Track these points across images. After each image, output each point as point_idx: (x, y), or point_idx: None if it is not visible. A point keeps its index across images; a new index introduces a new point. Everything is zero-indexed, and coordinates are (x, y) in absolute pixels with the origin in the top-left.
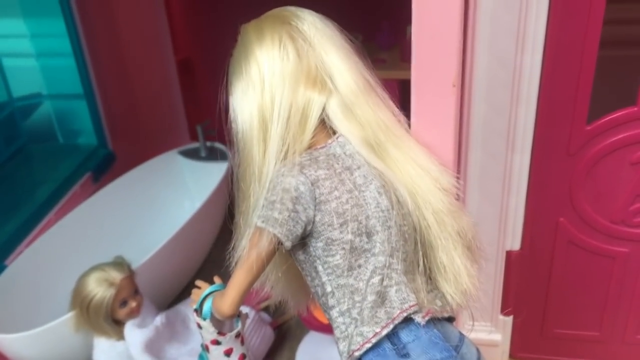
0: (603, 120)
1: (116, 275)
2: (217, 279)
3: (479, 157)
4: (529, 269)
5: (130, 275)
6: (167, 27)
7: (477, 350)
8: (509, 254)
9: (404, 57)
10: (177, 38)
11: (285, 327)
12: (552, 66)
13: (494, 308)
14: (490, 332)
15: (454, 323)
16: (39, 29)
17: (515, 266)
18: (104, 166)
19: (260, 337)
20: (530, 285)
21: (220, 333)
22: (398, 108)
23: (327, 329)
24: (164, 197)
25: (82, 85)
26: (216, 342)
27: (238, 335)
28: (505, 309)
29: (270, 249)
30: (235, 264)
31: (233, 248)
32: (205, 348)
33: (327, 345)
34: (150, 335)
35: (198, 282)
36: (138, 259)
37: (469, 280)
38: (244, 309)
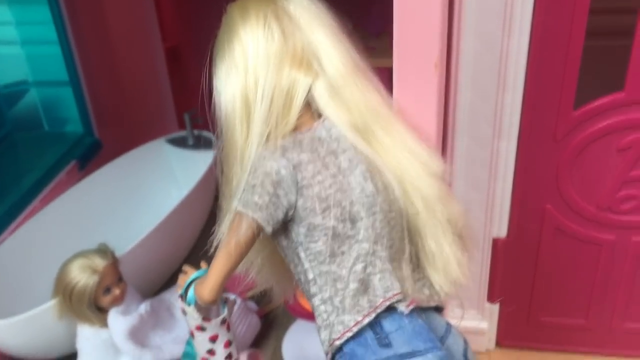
0: (590, 107)
1: (99, 263)
2: (204, 264)
3: (465, 143)
4: (516, 257)
5: (114, 262)
6: (155, 14)
7: (465, 341)
8: (495, 241)
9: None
10: (165, 26)
11: (272, 316)
12: (538, 51)
13: (481, 296)
14: (476, 320)
15: (442, 313)
16: (24, 16)
17: (502, 254)
18: (89, 154)
19: (247, 325)
20: (516, 272)
21: (205, 319)
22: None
23: (314, 317)
24: (151, 185)
25: (67, 72)
26: (201, 329)
27: (224, 321)
28: (491, 297)
29: (250, 234)
30: (216, 249)
31: (214, 232)
32: (191, 334)
33: (314, 333)
34: (134, 323)
35: (185, 267)
36: (124, 246)
37: (459, 269)
38: (231, 296)
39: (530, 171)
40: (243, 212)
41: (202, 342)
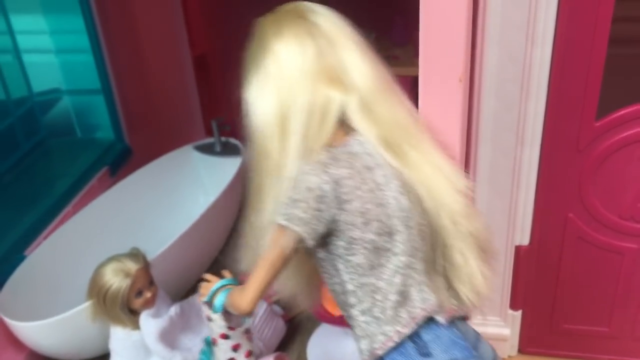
0: (612, 117)
1: (132, 266)
2: (226, 273)
3: (488, 151)
4: (538, 264)
5: (146, 266)
6: (184, 23)
7: (492, 348)
8: (518, 248)
9: (418, 54)
10: (193, 34)
11: (297, 320)
12: (561, 61)
13: (503, 303)
14: (499, 326)
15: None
16: (58, 26)
17: (524, 261)
18: (120, 160)
19: (272, 329)
20: (539, 280)
21: (230, 327)
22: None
23: (339, 321)
24: (179, 191)
25: (100, 80)
26: (225, 337)
27: (247, 331)
28: (514, 304)
29: (293, 247)
30: (243, 259)
31: (240, 243)
32: (213, 342)
33: (338, 338)
34: (164, 325)
35: (207, 276)
36: (153, 251)
37: (483, 281)
38: None
39: (552, 180)
40: (287, 225)
41: (225, 350)
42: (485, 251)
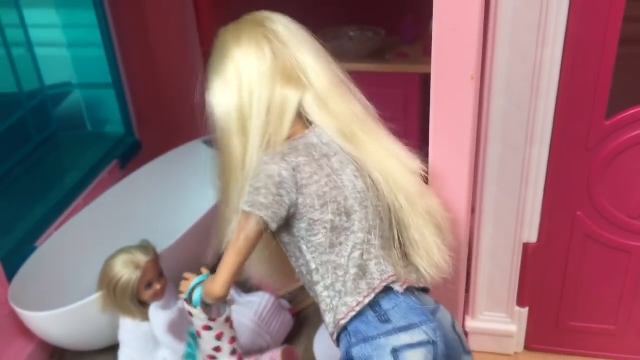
0: (622, 116)
1: (142, 258)
2: (204, 270)
3: (497, 149)
4: (546, 262)
5: (156, 258)
6: (194, 19)
7: (452, 315)
8: (525, 246)
9: (427, 51)
10: (203, 30)
11: (304, 314)
12: (572, 60)
13: (510, 299)
14: (505, 323)
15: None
16: (71, 20)
17: (532, 259)
18: (130, 154)
19: (280, 322)
20: (546, 277)
21: (211, 319)
22: (367, 100)
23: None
24: (188, 185)
25: (111, 75)
26: (208, 328)
27: (227, 319)
28: (521, 301)
29: (257, 232)
30: (216, 250)
31: (217, 235)
32: (197, 334)
33: None
34: (173, 317)
35: (186, 275)
36: (162, 244)
37: (440, 255)
38: (260, 297)
39: (561, 178)
40: (250, 211)
41: (209, 341)
42: (440, 228)
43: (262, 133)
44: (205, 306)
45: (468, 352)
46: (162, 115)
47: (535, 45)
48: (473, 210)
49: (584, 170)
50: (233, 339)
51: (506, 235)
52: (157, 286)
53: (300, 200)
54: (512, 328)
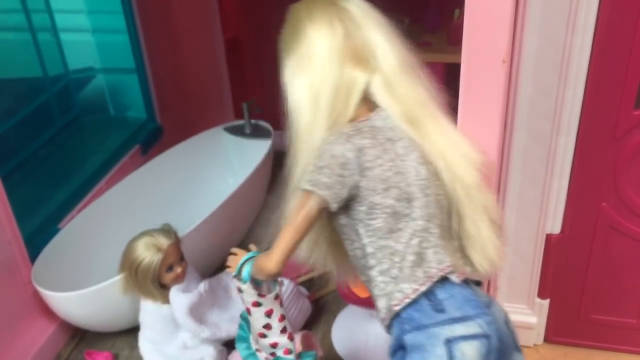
0: None
1: (164, 241)
2: (252, 247)
3: (523, 138)
4: (569, 253)
5: (177, 242)
6: (217, 6)
7: (505, 311)
8: (549, 237)
9: (451, 40)
10: (225, 17)
11: (323, 301)
12: (602, 49)
13: (531, 291)
14: (526, 314)
15: (481, 287)
16: (96, 6)
17: (555, 249)
18: (152, 139)
19: (298, 308)
20: (568, 269)
21: (260, 295)
22: (437, 88)
23: (364, 303)
24: (209, 171)
25: (134, 60)
26: (257, 304)
27: (277, 297)
28: (542, 292)
29: (316, 211)
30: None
31: (277, 210)
32: (247, 311)
33: (363, 319)
34: (193, 300)
35: (234, 250)
36: (182, 228)
37: (494, 250)
38: (279, 278)
39: (587, 168)
40: (312, 190)
41: (258, 318)
42: (495, 224)
43: (329, 112)
44: (256, 283)
45: (519, 349)
46: (183, 101)
47: (565, 32)
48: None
49: (610, 160)
50: (283, 317)
51: (529, 225)
52: (178, 269)
53: (363, 183)
54: (533, 320)
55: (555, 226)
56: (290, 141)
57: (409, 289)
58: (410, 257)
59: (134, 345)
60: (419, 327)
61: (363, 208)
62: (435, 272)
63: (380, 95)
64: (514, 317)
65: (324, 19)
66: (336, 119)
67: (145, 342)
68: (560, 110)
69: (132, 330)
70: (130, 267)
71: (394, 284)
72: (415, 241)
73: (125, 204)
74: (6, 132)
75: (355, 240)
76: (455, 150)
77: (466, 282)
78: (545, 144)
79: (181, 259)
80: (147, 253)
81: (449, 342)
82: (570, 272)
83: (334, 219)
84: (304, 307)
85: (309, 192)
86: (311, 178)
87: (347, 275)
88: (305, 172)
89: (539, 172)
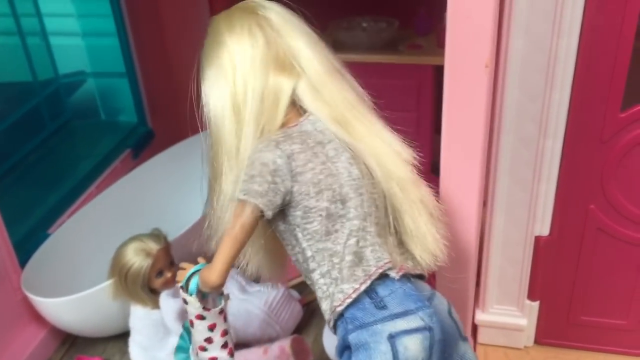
0: (638, 108)
1: (153, 246)
2: (200, 259)
3: (510, 142)
4: (558, 255)
5: (167, 246)
6: (208, 10)
7: (448, 302)
8: (537, 239)
9: (441, 43)
10: None
11: (314, 305)
12: (588, 51)
13: (521, 293)
14: (516, 316)
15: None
16: (85, 9)
17: (544, 252)
18: (143, 143)
19: (289, 312)
20: (558, 271)
21: (205, 308)
22: (363, 88)
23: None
24: (200, 175)
25: (124, 64)
26: (201, 317)
27: (221, 312)
28: (532, 294)
29: (253, 220)
30: (210, 239)
31: (207, 226)
32: (190, 324)
33: None
34: (183, 305)
35: (183, 264)
36: (173, 233)
37: (434, 243)
38: (269, 285)
39: (575, 171)
40: (245, 199)
41: (201, 331)
42: (433, 216)
43: (256, 121)
44: (202, 296)
45: (464, 338)
46: (174, 105)
47: (550, 36)
48: (484, 203)
49: (597, 163)
50: (225, 332)
51: (518, 228)
52: (168, 274)
53: (295, 188)
54: (523, 322)
55: (543, 229)
56: (210, 151)
57: (350, 289)
58: (349, 257)
59: (125, 351)
60: (362, 326)
61: (298, 213)
62: (375, 270)
63: (307, 99)
64: (504, 319)
65: (243, 29)
66: (264, 127)
67: (135, 347)
68: (547, 114)
69: (123, 336)
70: (120, 273)
71: (334, 285)
72: (352, 241)
73: (115, 208)
74: None
75: (295, 245)
76: (387, 147)
77: (406, 277)
78: (532, 147)
79: (171, 263)
80: (136, 258)
81: (392, 337)
82: (559, 274)
83: (272, 226)
84: (295, 311)
85: (243, 202)
86: (244, 187)
87: (277, 276)
88: (238, 183)
89: (526, 175)
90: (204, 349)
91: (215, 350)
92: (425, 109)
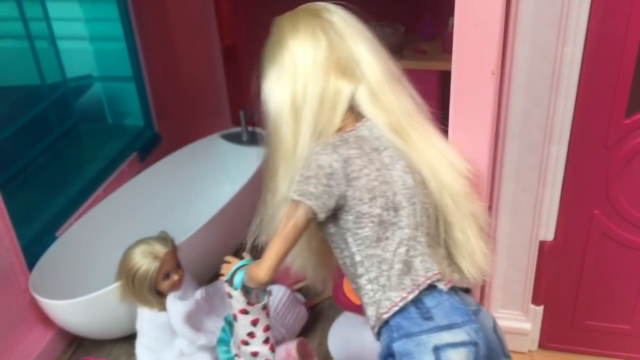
0: None
1: (160, 249)
2: (246, 255)
3: (515, 147)
4: (562, 260)
5: (174, 249)
6: (214, 14)
7: (493, 318)
8: (542, 244)
9: (445, 48)
10: (223, 25)
11: (319, 308)
12: (592, 58)
13: (525, 297)
14: (520, 321)
15: (470, 294)
16: (93, 14)
17: (548, 256)
18: (149, 147)
19: (295, 316)
20: (562, 276)
21: (249, 303)
22: (423, 98)
23: (361, 310)
24: (206, 179)
25: (131, 68)
26: (244, 312)
27: (264, 307)
28: (536, 299)
29: (305, 220)
30: (260, 237)
31: (259, 223)
32: (234, 317)
33: (359, 326)
34: (190, 308)
35: (228, 258)
36: (179, 236)
37: (483, 258)
38: (275, 288)
39: (579, 176)
40: (299, 200)
41: (244, 325)
42: (483, 231)
43: (314, 123)
44: (245, 291)
45: (507, 355)
46: (181, 108)
47: (555, 43)
48: (490, 208)
49: (602, 168)
50: (267, 328)
51: (522, 232)
52: (175, 277)
53: (350, 193)
54: (527, 326)
55: (548, 233)
56: (267, 150)
57: (397, 297)
58: (398, 266)
59: (131, 353)
60: (407, 335)
61: (351, 217)
62: (423, 280)
63: (365, 105)
64: (509, 324)
65: (307, 31)
66: (322, 129)
67: (142, 349)
68: (552, 120)
69: (130, 338)
70: (127, 275)
71: (382, 292)
72: (402, 249)
73: (122, 211)
74: (4, 140)
75: (344, 249)
76: (442, 158)
77: (454, 289)
78: (537, 152)
79: (178, 266)
80: (144, 261)
81: (437, 349)
82: (563, 279)
83: (323, 228)
84: (300, 314)
85: (296, 202)
86: (298, 188)
87: (324, 280)
88: (292, 183)
89: (531, 180)
90: (246, 343)
91: (257, 345)
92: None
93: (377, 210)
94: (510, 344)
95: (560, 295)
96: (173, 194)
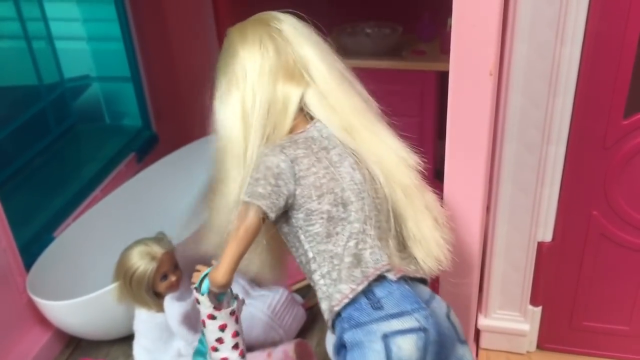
0: None
1: (158, 250)
2: (214, 262)
3: (513, 148)
4: (560, 261)
5: (171, 250)
6: (212, 14)
7: (447, 305)
8: (540, 245)
9: (444, 49)
10: (221, 26)
11: (317, 309)
12: (590, 59)
13: (524, 298)
14: (518, 322)
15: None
16: (91, 14)
17: (547, 257)
18: (147, 147)
19: (293, 316)
20: (560, 277)
21: (215, 308)
22: (369, 94)
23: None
24: (204, 179)
25: (129, 68)
26: (212, 317)
27: (233, 313)
28: (534, 300)
29: (256, 221)
30: (208, 241)
31: (208, 227)
32: (202, 323)
33: None
34: (188, 309)
35: (198, 266)
36: (177, 236)
37: (438, 248)
38: (273, 291)
39: (578, 177)
40: (249, 201)
41: (212, 331)
42: (438, 222)
43: (263, 128)
44: (218, 299)
45: (463, 341)
46: (179, 109)
47: (554, 43)
48: (488, 209)
49: (600, 169)
50: (236, 334)
51: (521, 233)
52: (172, 278)
53: (298, 191)
54: (525, 327)
55: (546, 234)
56: (218, 155)
57: (347, 289)
58: (348, 259)
59: (129, 354)
60: (357, 325)
61: (301, 215)
62: (372, 272)
63: (315, 107)
64: (507, 325)
65: (255, 39)
66: (271, 132)
67: (139, 350)
68: (550, 120)
69: (127, 339)
70: (125, 276)
71: (333, 286)
72: (352, 243)
73: (120, 212)
74: (1, 140)
75: (299, 247)
76: (392, 153)
77: (404, 279)
78: (535, 153)
79: (175, 267)
80: (141, 262)
81: (386, 337)
82: (562, 280)
83: (278, 228)
84: (298, 315)
85: (247, 204)
86: (248, 190)
87: (279, 277)
88: (243, 185)
89: (530, 181)
90: (215, 349)
91: (226, 350)
92: (428, 114)
93: (326, 207)
94: (509, 345)
95: (558, 296)
96: (171, 194)
